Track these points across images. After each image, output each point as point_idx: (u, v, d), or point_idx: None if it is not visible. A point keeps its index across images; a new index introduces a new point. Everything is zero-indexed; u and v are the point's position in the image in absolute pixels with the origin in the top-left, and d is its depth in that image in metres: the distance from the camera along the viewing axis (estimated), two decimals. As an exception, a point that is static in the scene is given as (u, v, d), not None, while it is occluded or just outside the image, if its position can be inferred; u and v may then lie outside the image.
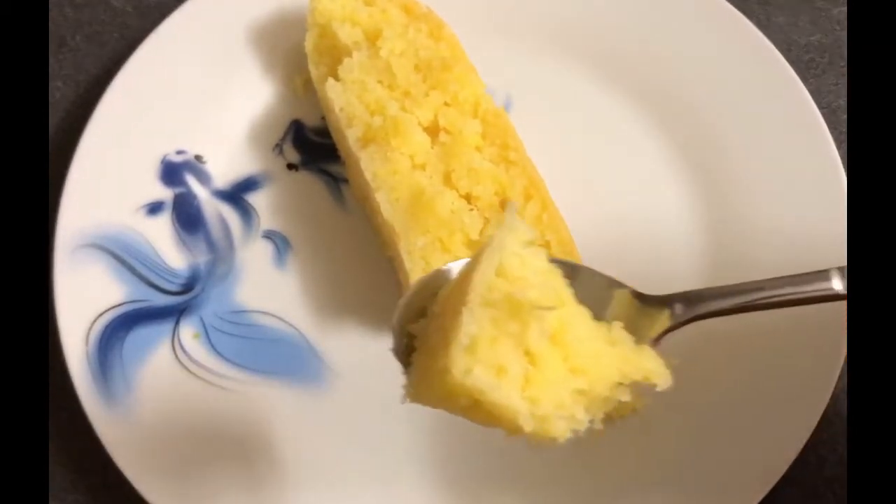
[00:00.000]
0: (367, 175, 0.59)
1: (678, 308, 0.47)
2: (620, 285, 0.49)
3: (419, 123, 0.60)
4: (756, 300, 0.47)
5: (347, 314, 0.63)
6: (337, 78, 0.62)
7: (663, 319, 0.47)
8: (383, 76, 0.62)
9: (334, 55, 0.65)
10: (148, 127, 0.66)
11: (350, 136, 0.61)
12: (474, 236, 0.58)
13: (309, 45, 0.65)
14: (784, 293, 0.47)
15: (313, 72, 0.66)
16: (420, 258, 0.56)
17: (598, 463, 0.59)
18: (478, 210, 0.59)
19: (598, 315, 0.45)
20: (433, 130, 0.61)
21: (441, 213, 0.57)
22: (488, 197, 0.59)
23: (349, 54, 0.63)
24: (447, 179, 0.59)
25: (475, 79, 0.63)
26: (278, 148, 0.68)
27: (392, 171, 0.59)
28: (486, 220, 0.58)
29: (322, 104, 0.67)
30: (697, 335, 0.62)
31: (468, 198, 0.59)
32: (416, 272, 0.56)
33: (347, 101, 0.61)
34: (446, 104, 0.61)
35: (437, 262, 0.56)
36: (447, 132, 0.60)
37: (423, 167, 0.60)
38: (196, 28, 0.68)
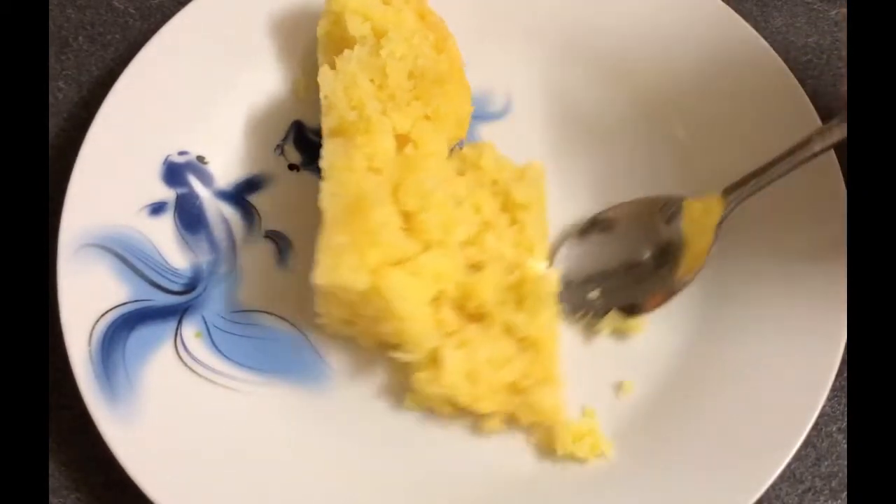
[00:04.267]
0: (323, 163, 0.59)
1: (730, 196, 0.61)
2: (676, 199, 0.63)
3: (393, 129, 0.60)
4: (779, 172, 0.60)
5: (349, 313, 0.63)
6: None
7: (718, 207, 0.61)
8: (376, 75, 0.62)
9: (342, 45, 0.64)
10: (150, 128, 0.66)
11: (324, 123, 0.61)
12: (395, 256, 0.57)
13: (321, 30, 0.66)
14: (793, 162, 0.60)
15: (320, 58, 0.66)
16: (332, 255, 0.56)
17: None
18: (414, 235, 0.59)
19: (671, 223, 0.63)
20: (405, 140, 0.61)
21: (371, 222, 0.56)
22: (434, 228, 0.59)
23: (354, 46, 0.63)
24: (395, 192, 0.59)
25: (464, 99, 0.63)
26: (280, 148, 0.68)
27: (347, 167, 0.58)
28: (424, 248, 0.58)
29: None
30: (696, 332, 0.62)
31: (407, 217, 0.59)
32: (323, 267, 0.56)
33: (332, 90, 0.61)
34: (427, 117, 0.61)
35: (346, 266, 0.56)
36: (415, 146, 0.60)
37: (378, 171, 0.59)
38: (198, 29, 0.68)
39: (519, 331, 0.59)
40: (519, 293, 0.60)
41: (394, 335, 0.59)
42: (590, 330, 0.63)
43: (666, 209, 0.63)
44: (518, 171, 0.64)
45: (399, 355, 0.59)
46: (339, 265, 0.56)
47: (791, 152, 0.59)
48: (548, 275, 0.60)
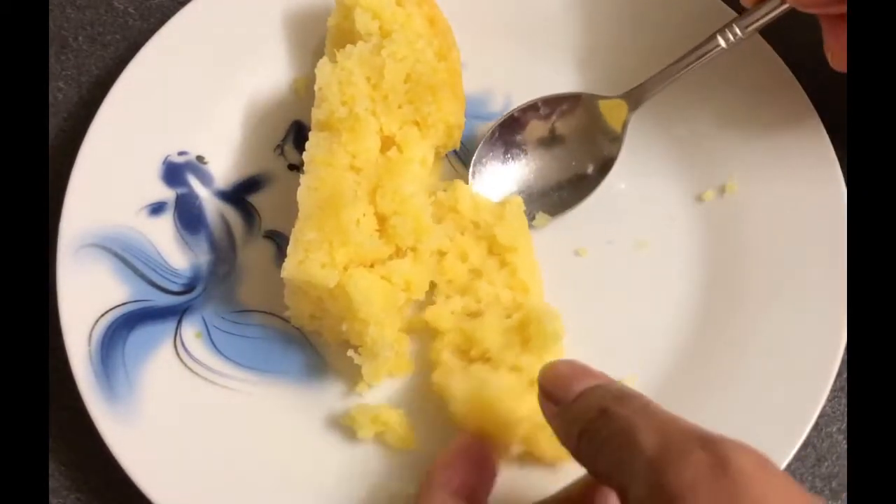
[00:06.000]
0: (306, 156, 0.59)
1: (632, 98, 0.65)
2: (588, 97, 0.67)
3: (380, 130, 0.60)
4: (679, 74, 0.65)
5: (348, 313, 0.63)
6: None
7: (623, 108, 0.66)
8: (373, 74, 0.62)
9: (349, 39, 0.64)
10: (150, 128, 0.66)
11: (314, 115, 0.61)
12: (365, 257, 0.57)
13: (331, 22, 0.66)
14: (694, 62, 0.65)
15: (328, 49, 0.66)
16: (304, 250, 0.56)
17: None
18: (385, 238, 0.58)
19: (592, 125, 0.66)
20: (390, 142, 0.61)
21: (344, 221, 0.56)
22: (407, 234, 0.58)
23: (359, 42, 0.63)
24: (372, 193, 0.59)
25: (456, 109, 0.63)
26: (279, 149, 0.68)
27: (327, 162, 0.58)
28: (393, 253, 0.58)
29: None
30: (696, 332, 0.62)
31: (382, 220, 0.59)
32: (293, 259, 0.56)
33: (327, 83, 0.61)
34: (416, 123, 0.61)
35: (314, 262, 0.56)
36: (399, 149, 0.60)
37: (358, 170, 0.59)
38: (198, 29, 0.68)
39: (527, 373, 0.57)
40: (523, 335, 0.59)
41: (354, 336, 0.59)
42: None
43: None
44: (497, 209, 0.63)
45: (354, 356, 0.59)
46: (307, 260, 0.56)
47: (681, 58, 0.65)
48: (551, 312, 0.58)
